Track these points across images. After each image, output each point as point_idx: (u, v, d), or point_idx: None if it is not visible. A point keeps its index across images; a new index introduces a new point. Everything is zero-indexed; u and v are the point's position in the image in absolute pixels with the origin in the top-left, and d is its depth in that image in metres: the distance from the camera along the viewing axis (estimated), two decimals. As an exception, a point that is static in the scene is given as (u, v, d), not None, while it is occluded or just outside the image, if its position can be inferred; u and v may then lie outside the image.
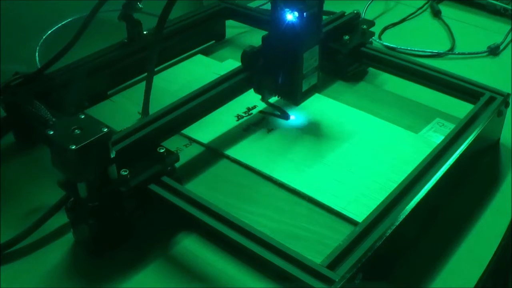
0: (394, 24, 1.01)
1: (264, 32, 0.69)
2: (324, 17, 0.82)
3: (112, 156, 0.53)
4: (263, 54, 0.69)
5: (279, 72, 0.68)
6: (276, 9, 0.64)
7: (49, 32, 0.86)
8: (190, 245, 0.58)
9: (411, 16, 1.04)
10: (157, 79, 0.69)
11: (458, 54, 0.92)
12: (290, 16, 0.63)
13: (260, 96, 0.72)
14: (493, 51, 0.92)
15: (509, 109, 0.70)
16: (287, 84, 0.69)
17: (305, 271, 0.47)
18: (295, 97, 0.69)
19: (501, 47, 0.93)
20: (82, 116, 0.53)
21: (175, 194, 0.56)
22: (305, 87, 0.69)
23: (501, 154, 0.71)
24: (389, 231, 0.51)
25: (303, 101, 0.70)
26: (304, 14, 0.63)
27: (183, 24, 0.86)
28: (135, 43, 0.78)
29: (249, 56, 0.69)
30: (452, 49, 0.93)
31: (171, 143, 0.64)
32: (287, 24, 0.64)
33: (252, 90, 0.71)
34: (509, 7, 1.03)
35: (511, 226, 0.61)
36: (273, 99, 0.73)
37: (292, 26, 0.64)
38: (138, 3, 0.75)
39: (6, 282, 0.54)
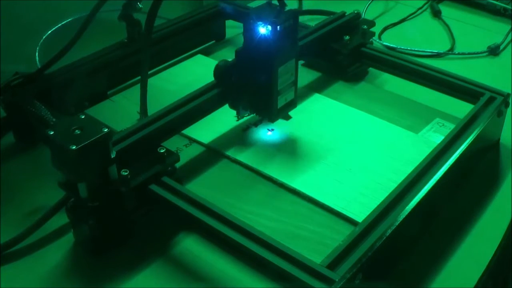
0: (394, 24, 1.01)
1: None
2: (324, 17, 0.82)
3: (112, 156, 0.53)
4: (237, 68, 0.66)
5: (254, 87, 0.65)
6: (248, 22, 0.61)
7: (49, 32, 0.86)
8: (190, 245, 0.58)
9: (411, 16, 1.04)
10: (157, 79, 0.69)
11: (458, 54, 0.92)
12: (263, 30, 0.60)
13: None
14: (493, 51, 0.92)
15: (509, 109, 0.70)
16: (262, 100, 0.66)
17: (305, 271, 0.47)
18: (270, 113, 0.67)
19: (501, 47, 0.93)
20: (82, 116, 0.53)
21: (175, 194, 0.56)
22: (280, 103, 0.66)
23: (501, 154, 0.71)
24: (389, 231, 0.51)
25: (279, 117, 0.68)
26: (278, 27, 0.60)
27: (183, 24, 0.86)
28: (135, 43, 0.78)
29: (222, 71, 0.66)
30: (452, 49, 0.93)
31: (171, 143, 0.64)
32: (260, 38, 0.61)
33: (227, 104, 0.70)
34: (509, 7, 1.03)
35: (511, 226, 0.61)
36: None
37: (265, 40, 0.61)
38: (138, 3, 0.75)
39: (6, 282, 0.54)
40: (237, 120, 0.71)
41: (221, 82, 0.67)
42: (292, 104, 0.68)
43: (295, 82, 0.67)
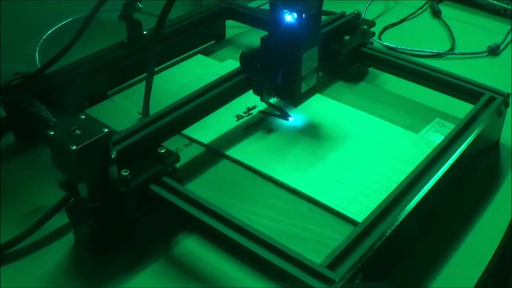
0: (394, 24, 1.01)
1: (264, 32, 0.69)
2: (324, 17, 0.82)
3: (112, 157, 0.53)
4: (262, 55, 0.69)
5: (278, 73, 0.68)
6: (274, 10, 0.64)
7: (49, 32, 0.86)
8: (190, 246, 0.58)
9: (411, 16, 1.04)
10: (157, 79, 0.69)
11: (458, 54, 0.92)
12: (289, 18, 0.63)
13: (259, 96, 0.72)
14: (493, 51, 0.92)
15: (509, 109, 0.70)
16: (286, 86, 0.69)
17: (305, 271, 0.47)
18: (294, 98, 0.69)
19: (501, 47, 0.93)
20: (83, 116, 0.53)
21: (175, 195, 0.56)
22: (304, 88, 0.69)
23: (501, 154, 0.71)
24: (389, 231, 0.51)
25: (302, 102, 0.70)
26: (303, 15, 0.63)
27: (183, 24, 0.86)
28: (135, 43, 0.78)
29: (248, 57, 0.69)
30: (452, 49, 0.93)
31: (171, 143, 0.64)
32: (286, 25, 0.64)
33: (251, 90, 0.71)
34: (509, 7, 1.03)
35: (511, 226, 0.61)
36: (273, 99, 0.73)
37: (291, 28, 0.64)
38: (138, 3, 0.75)
39: (6, 282, 0.54)
40: (238, 120, 0.72)
41: (246, 68, 0.69)
42: (314, 89, 0.71)
43: (317, 69, 0.69)
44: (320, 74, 0.71)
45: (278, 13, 0.64)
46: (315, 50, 0.68)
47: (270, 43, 0.67)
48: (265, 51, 0.68)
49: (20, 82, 0.69)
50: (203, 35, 0.92)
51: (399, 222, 0.52)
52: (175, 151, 0.61)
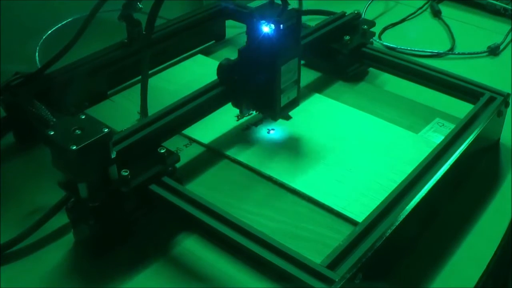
0: (394, 24, 1.01)
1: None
2: (324, 17, 0.82)
3: (112, 157, 0.53)
4: (239, 67, 0.66)
5: (257, 86, 0.65)
6: (252, 20, 0.62)
7: (49, 32, 0.86)
8: (190, 246, 0.58)
9: (411, 16, 1.04)
10: (157, 79, 0.69)
11: (458, 54, 0.92)
12: (266, 29, 0.61)
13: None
14: (493, 51, 0.92)
15: (509, 109, 0.70)
16: (265, 99, 0.66)
17: (305, 271, 0.47)
18: (274, 112, 0.67)
19: (501, 47, 0.93)
20: (83, 116, 0.53)
21: (175, 195, 0.56)
22: (284, 101, 0.66)
23: (501, 154, 0.71)
24: (389, 231, 0.51)
25: (281, 116, 0.68)
26: (281, 26, 0.61)
27: (183, 24, 0.86)
28: (135, 43, 0.78)
29: (225, 69, 0.66)
30: (452, 49, 0.93)
31: (171, 143, 0.64)
32: (263, 36, 0.61)
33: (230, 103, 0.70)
34: (509, 7, 1.03)
35: (511, 226, 0.61)
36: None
37: (269, 39, 0.61)
38: (138, 3, 0.75)
39: (6, 282, 0.54)
40: (238, 120, 0.71)
41: (224, 80, 0.67)
42: (294, 103, 0.68)
43: (297, 81, 0.67)
44: (320, 74, 0.71)
45: (255, 24, 0.61)
46: (295, 61, 0.65)
47: (248, 55, 0.65)
48: (243, 63, 0.66)
49: (20, 82, 0.69)
50: (203, 35, 0.92)
51: (399, 222, 0.52)
52: (175, 151, 0.61)
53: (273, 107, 0.66)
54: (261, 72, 0.64)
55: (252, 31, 0.62)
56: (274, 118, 0.68)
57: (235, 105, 0.69)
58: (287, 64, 0.64)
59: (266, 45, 0.62)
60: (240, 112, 0.69)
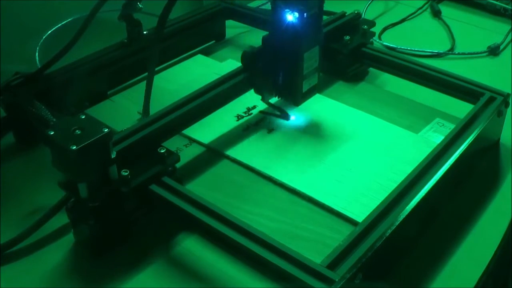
0: (394, 24, 1.01)
1: (264, 32, 0.69)
2: (324, 17, 0.82)
3: (112, 157, 0.53)
4: (263, 54, 0.69)
5: (279, 72, 0.68)
6: (276, 9, 0.64)
7: (49, 32, 0.86)
8: (190, 246, 0.58)
9: (411, 16, 1.04)
10: (157, 79, 0.69)
11: (458, 54, 0.92)
12: (291, 17, 0.63)
13: (260, 96, 0.72)
14: (493, 51, 0.92)
15: (509, 109, 0.70)
16: (287, 85, 0.69)
17: (305, 271, 0.47)
18: (296, 97, 0.69)
19: (501, 47, 0.93)
20: (83, 116, 0.53)
21: (175, 195, 0.56)
22: (305, 87, 0.69)
23: (501, 154, 0.71)
24: (389, 231, 0.51)
25: (303, 101, 0.71)
26: (305, 14, 0.63)
27: (183, 24, 0.86)
28: (135, 43, 0.78)
29: (249, 57, 0.69)
30: (452, 49, 0.93)
31: (171, 143, 0.64)
32: (287, 24, 0.64)
33: (252, 90, 0.72)
34: (509, 7, 1.03)
35: (511, 226, 0.61)
36: (274, 99, 0.73)
37: (293, 27, 0.64)
38: (138, 3, 0.75)
39: (6, 282, 0.54)
40: (238, 120, 0.71)
41: (248, 67, 0.70)
42: (315, 89, 0.71)
43: (318, 68, 0.69)
44: (321, 74, 0.71)
45: (280, 13, 0.64)
46: (316, 49, 0.68)
47: (271, 43, 0.68)
48: (267, 50, 0.69)
49: (20, 82, 0.69)
50: (203, 35, 0.92)
51: (399, 222, 0.52)
52: (175, 151, 0.61)
53: (296, 93, 0.69)
54: (285, 59, 0.67)
55: (276, 20, 0.65)
56: (296, 104, 0.71)
57: (257, 91, 0.71)
58: (309, 51, 0.67)
59: (290, 32, 0.64)
60: (262, 98, 0.72)
